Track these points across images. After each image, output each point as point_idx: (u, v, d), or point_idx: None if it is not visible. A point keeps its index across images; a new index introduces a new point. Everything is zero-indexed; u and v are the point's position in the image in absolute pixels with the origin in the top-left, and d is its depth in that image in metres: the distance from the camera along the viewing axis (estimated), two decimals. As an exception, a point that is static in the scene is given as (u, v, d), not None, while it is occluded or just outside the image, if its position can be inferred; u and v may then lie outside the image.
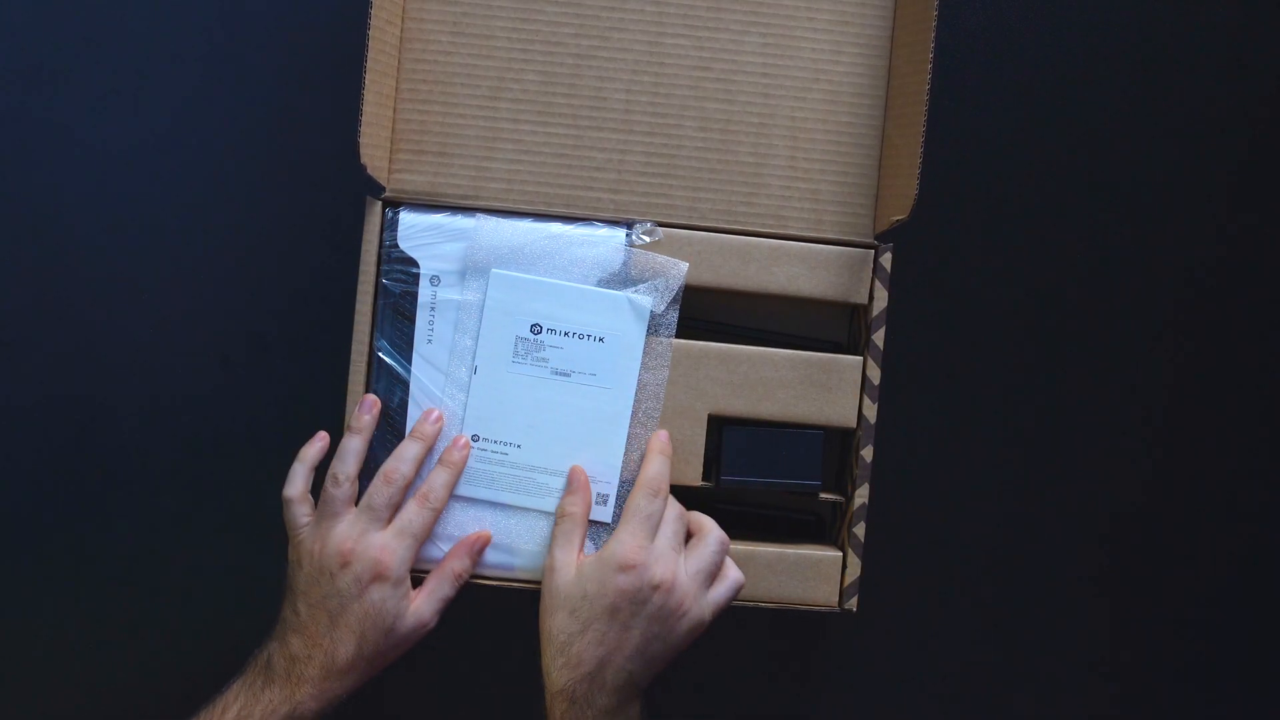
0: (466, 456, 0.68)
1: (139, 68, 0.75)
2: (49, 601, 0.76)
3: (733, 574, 0.67)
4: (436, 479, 0.67)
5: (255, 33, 0.76)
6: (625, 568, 0.63)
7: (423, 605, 0.66)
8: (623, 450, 0.68)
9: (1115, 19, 0.79)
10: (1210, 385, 0.80)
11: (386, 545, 0.65)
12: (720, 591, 0.66)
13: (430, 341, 0.68)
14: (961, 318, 0.79)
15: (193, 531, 0.76)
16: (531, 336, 0.67)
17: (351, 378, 0.68)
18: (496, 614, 0.77)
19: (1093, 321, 0.79)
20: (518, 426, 0.68)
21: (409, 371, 0.68)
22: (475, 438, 0.67)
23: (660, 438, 0.68)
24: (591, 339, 0.68)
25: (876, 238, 0.71)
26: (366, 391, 0.68)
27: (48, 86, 0.75)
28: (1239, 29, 0.80)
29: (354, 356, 0.68)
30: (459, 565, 0.67)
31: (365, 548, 0.64)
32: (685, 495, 0.70)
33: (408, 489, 0.67)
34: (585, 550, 0.67)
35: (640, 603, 0.63)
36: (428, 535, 0.67)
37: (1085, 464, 0.80)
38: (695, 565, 0.65)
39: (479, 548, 0.68)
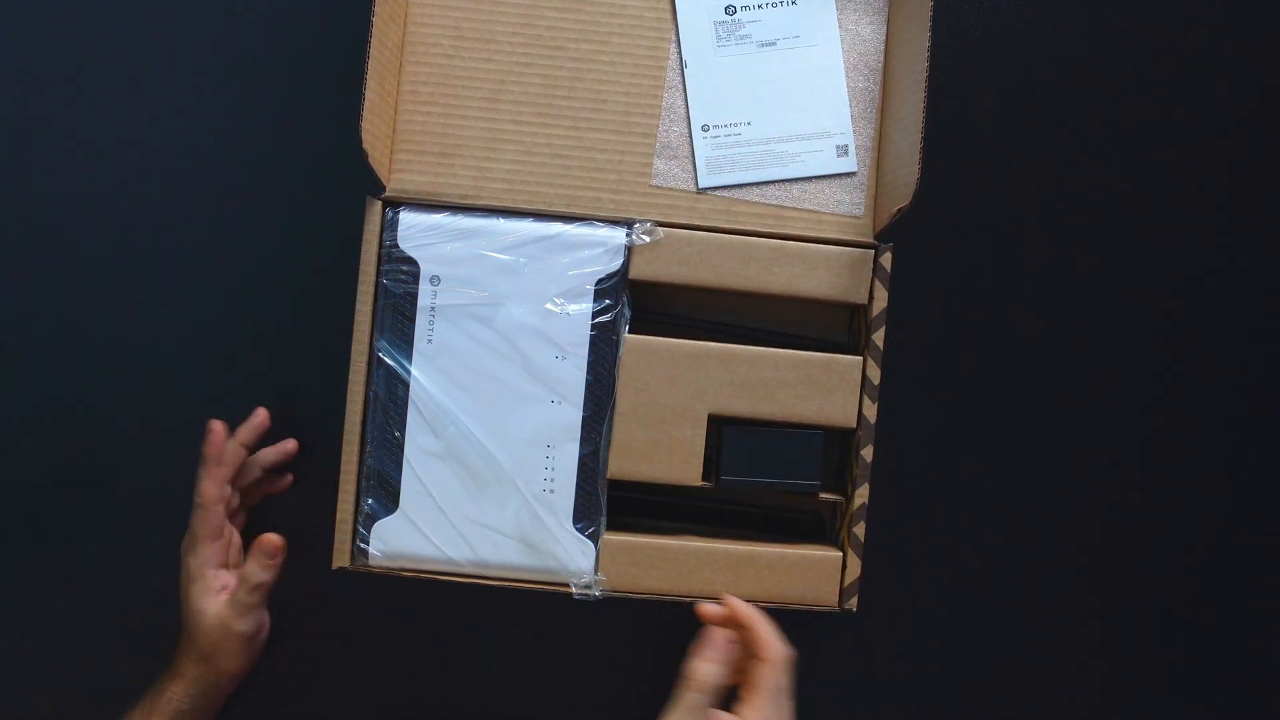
0: (237, 457, 0.71)
1: (139, 69, 0.76)
2: (49, 602, 0.76)
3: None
4: (199, 476, 0.70)
5: (256, 34, 0.76)
6: None
7: (223, 607, 0.69)
8: (846, 99, 0.70)
9: (1115, 19, 0.79)
10: (1210, 384, 0.80)
11: (187, 546, 0.70)
12: None
13: (430, 342, 0.68)
14: (961, 318, 0.79)
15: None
16: (728, 18, 0.70)
17: (351, 378, 0.68)
18: (501, 614, 0.77)
19: (1092, 321, 0.79)
20: (742, 105, 0.70)
21: (409, 372, 0.68)
22: (705, 128, 0.69)
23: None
24: (784, 3, 0.70)
25: (876, 237, 0.71)
26: (367, 390, 0.69)
27: (48, 86, 0.76)
28: (1239, 29, 0.80)
29: (354, 357, 0.68)
30: (248, 569, 0.69)
31: (185, 549, 0.70)
32: (685, 495, 0.70)
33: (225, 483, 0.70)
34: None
35: None
36: (212, 534, 0.69)
37: (1085, 463, 0.79)
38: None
39: (270, 550, 0.69)
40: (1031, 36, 0.79)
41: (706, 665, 0.62)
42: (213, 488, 0.69)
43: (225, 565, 0.71)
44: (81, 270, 0.76)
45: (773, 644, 0.63)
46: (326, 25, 0.76)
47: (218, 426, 0.70)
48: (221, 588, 0.69)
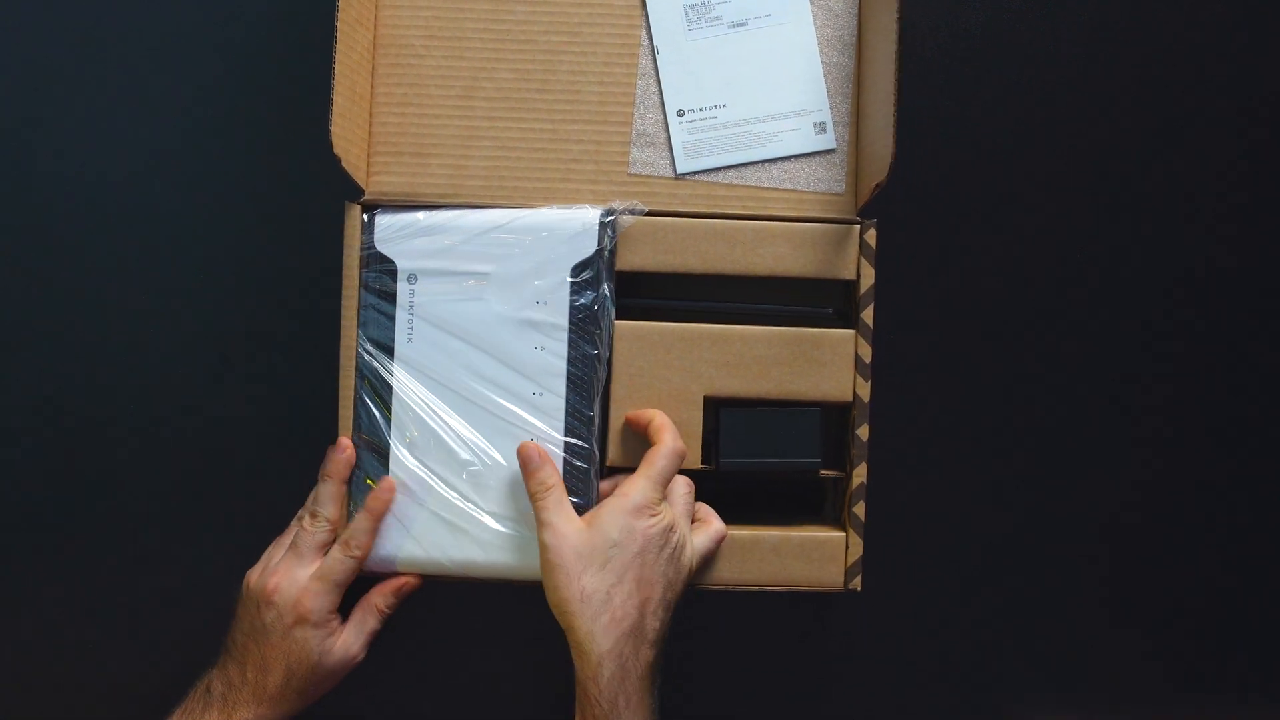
0: (390, 500, 0.67)
1: (138, 72, 0.76)
2: (47, 603, 0.77)
3: (715, 524, 0.68)
4: (359, 525, 0.67)
5: (256, 37, 0.77)
6: (650, 511, 0.63)
7: (350, 639, 0.67)
8: (821, 76, 0.69)
9: (1115, 19, 0.78)
10: (1206, 359, 0.79)
11: (308, 589, 0.65)
12: (703, 539, 0.67)
13: (410, 341, 0.68)
14: (956, 294, 0.78)
15: (190, 533, 0.76)
16: (697, 1, 0.69)
17: (341, 382, 0.68)
18: (497, 613, 0.77)
19: (1087, 302, 0.78)
20: (716, 88, 0.69)
21: (391, 372, 0.68)
22: (680, 113, 0.68)
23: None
24: None
25: (859, 213, 0.71)
26: (357, 393, 0.68)
27: (42, 91, 0.76)
28: (1239, 29, 0.79)
29: (342, 360, 0.68)
30: (381, 601, 0.68)
31: (288, 589, 0.65)
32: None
33: (335, 530, 0.67)
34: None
35: (661, 546, 0.63)
36: (351, 579, 0.67)
37: (1083, 442, 0.78)
38: (678, 509, 0.66)
39: (404, 591, 0.68)
40: (1031, 36, 0.78)
41: (542, 472, 0.65)
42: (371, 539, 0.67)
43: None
44: (79, 272, 0.76)
45: (666, 434, 0.66)
46: (316, 31, 0.76)
47: (348, 443, 0.68)
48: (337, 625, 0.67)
